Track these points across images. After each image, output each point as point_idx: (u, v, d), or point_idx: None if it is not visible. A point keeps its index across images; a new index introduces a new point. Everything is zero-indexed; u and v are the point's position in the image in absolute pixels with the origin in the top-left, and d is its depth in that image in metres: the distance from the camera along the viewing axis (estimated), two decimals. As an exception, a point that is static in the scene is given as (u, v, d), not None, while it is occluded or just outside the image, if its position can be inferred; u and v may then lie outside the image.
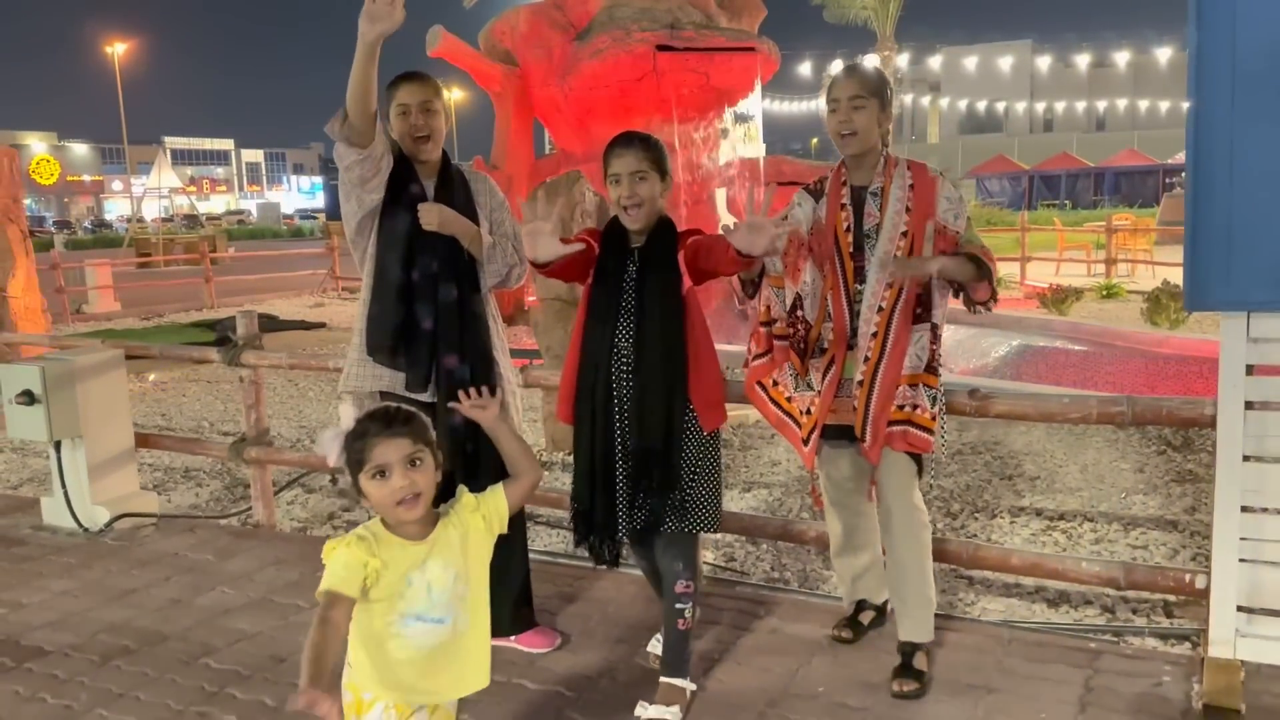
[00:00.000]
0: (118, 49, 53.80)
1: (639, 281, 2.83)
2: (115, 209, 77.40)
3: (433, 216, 3.12)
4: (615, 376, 2.81)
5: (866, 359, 2.90)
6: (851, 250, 2.95)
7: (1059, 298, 12.48)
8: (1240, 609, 2.86)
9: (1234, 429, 2.81)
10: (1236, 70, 2.65)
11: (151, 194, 31.35)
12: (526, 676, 3.10)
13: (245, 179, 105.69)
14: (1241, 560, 2.85)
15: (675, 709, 2.78)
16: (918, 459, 2.99)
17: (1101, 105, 57.97)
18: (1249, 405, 2.80)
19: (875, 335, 2.90)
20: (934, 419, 2.91)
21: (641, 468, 2.76)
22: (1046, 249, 20.05)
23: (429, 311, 3.14)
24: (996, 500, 5.12)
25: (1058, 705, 2.79)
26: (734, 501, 5.15)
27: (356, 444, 1.95)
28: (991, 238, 23.49)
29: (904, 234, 2.90)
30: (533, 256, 2.75)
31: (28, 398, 4.49)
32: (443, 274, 3.15)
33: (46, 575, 4.16)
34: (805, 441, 3.04)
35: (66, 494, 4.67)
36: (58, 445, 4.66)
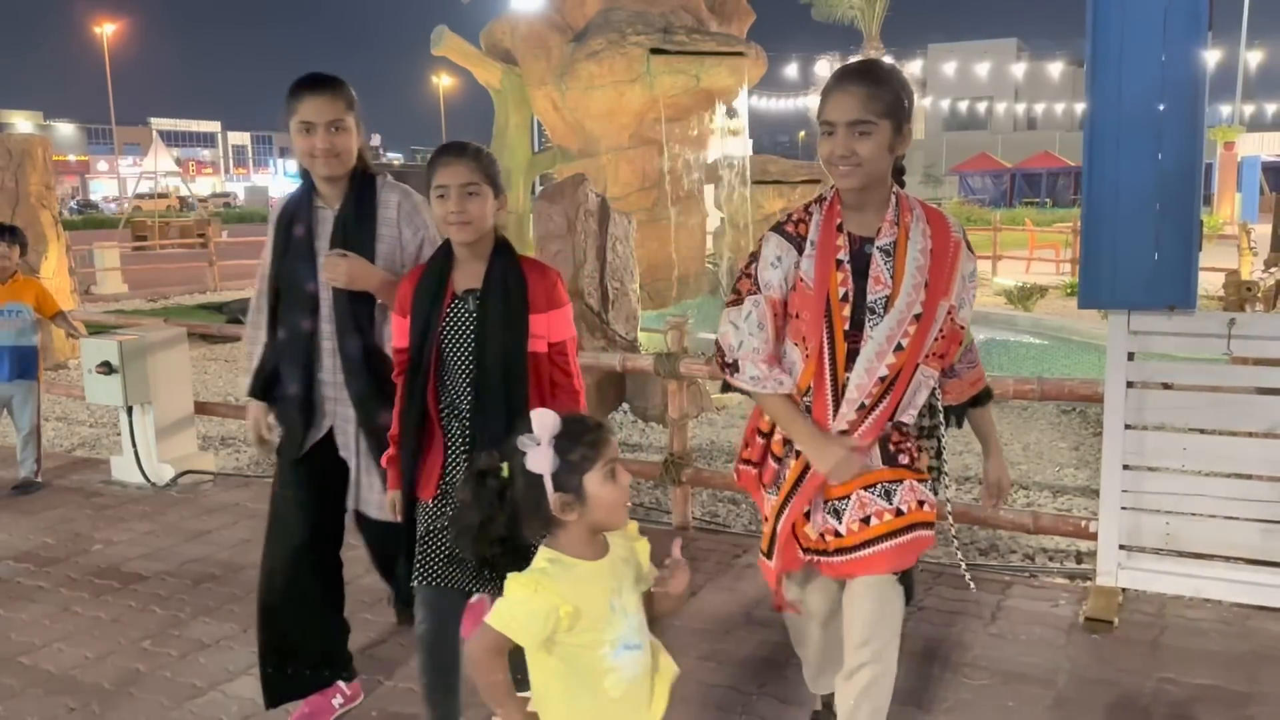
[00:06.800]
0: (106, 29, 54.03)
1: (478, 337, 2.42)
2: (100, 189, 77.33)
3: (339, 273, 2.63)
4: (460, 436, 2.49)
5: None
6: (847, 328, 2.17)
7: (1024, 294, 13.26)
8: (1121, 546, 3.62)
9: (1117, 402, 3.55)
10: (1121, 122, 3.39)
11: (147, 177, 31.75)
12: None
13: (232, 162, 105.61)
14: (1123, 508, 3.61)
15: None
16: (906, 577, 2.36)
17: (1083, 106, 58.93)
18: (1129, 384, 3.55)
19: (844, 433, 2.20)
20: (933, 508, 2.34)
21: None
22: (1019, 248, 20.79)
23: (297, 377, 2.79)
24: (946, 471, 5.85)
25: (973, 619, 3.52)
26: (720, 469, 5.86)
27: (587, 438, 1.70)
28: (968, 235, 24.30)
29: (917, 317, 2.16)
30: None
31: (107, 368, 5.15)
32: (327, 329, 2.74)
33: (128, 520, 4.84)
34: (767, 554, 2.36)
35: (137, 453, 5.34)
36: (129, 410, 5.32)
